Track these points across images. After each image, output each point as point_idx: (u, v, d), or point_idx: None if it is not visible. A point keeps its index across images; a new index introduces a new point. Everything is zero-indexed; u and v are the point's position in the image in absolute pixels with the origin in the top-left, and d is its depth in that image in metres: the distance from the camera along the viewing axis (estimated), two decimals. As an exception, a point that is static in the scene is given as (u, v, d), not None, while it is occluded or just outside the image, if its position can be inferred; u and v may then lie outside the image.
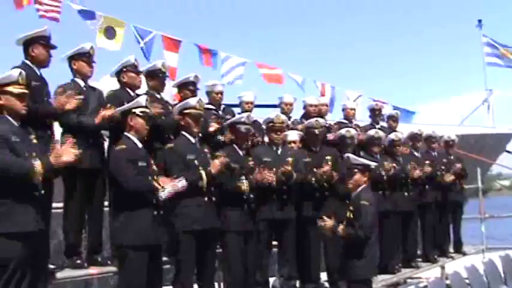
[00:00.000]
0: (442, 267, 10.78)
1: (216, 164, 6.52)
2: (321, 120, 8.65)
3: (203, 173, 6.43)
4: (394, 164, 9.24)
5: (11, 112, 5.13)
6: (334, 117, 11.16)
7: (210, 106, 8.19)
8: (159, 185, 5.97)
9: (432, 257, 10.52)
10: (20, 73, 5.26)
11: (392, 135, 9.75)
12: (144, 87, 7.50)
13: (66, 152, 5.10)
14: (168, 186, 6.04)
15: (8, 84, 5.14)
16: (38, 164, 4.89)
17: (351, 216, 6.90)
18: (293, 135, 8.37)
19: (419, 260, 10.35)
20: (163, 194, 5.99)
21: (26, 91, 5.25)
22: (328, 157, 8.22)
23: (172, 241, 6.44)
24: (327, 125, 9.16)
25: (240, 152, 7.16)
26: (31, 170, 4.86)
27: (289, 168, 7.37)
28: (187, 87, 7.80)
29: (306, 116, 9.72)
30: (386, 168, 9.05)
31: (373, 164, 7.55)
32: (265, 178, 7.11)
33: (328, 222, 6.98)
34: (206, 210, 6.53)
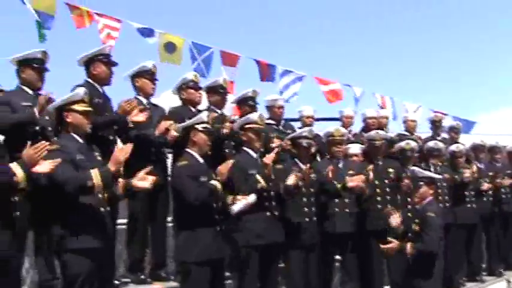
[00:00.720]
0: (508, 281, 10.50)
1: (265, 162, 6.46)
2: (381, 132, 8.56)
3: (258, 176, 6.38)
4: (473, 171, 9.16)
5: (77, 130, 5.21)
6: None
7: (270, 121, 8.19)
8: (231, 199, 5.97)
9: (497, 270, 10.29)
10: (85, 91, 5.35)
11: (453, 147, 9.65)
12: (205, 103, 7.54)
13: (144, 177, 5.19)
14: (239, 202, 6.03)
15: (74, 103, 5.23)
16: (95, 174, 4.86)
17: (418, 228, 6.81)
18: (355, 149, 8.32)
19: (484, 273, 10.14)
20: (234, 208, 6.00)
21: (90, 109, 5.33)
22: (391, 170, 8.13)
23: (235, 256, 6.43)
24: (387, 138, 9.06)
25: (302, 166, 7.12)
26: (87, 179, 4.84)
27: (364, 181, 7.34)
28: (246, 103, 7.81)
29: (366, 128, 9.65)
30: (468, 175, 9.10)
31: (438, 177, 7.44)
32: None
33: (393, 244, 6.89)
34: (269, 224, 6.50)
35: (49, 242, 5.73)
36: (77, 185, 4.84)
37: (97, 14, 9.31)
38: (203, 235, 5.80)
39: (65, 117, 5.19)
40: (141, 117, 6.29)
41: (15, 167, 4.31)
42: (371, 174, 7.56)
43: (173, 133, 6.45)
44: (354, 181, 7.19)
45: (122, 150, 4.99)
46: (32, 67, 6.08)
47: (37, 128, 5.83)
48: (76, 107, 5.21)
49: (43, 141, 4.50)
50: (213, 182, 5.84)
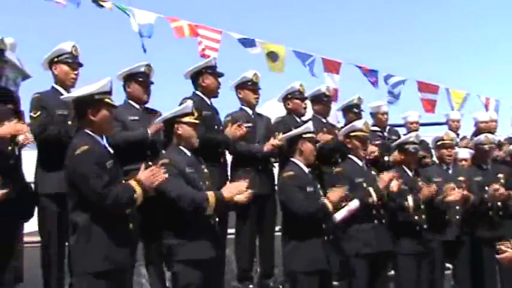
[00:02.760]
0: None
1: (383, 179, 6.38)
2: (490, 136, 8.28)
3: (371, 189, 6.31)
4: None
5: (186, 143, 5.31)
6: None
7: (375, 128, 8.10)
8: (332, 207, 5.93)
9: None
10: (193, 104, 5.44)
11: None
12: (310, 112, 7.55)
13: (240, 190, 5.23)
14: (342, 209, 5.99)
15: (185, 115, 5.33)
16: (211, 196, 5.02)
17: None
18: (464, 153, 8.09)
19: None
20: (337, 216, 5.95)
21: (198, 122, 5.42)
22: (501, 175, 7.86)
23: (343, 265, 6.37)
24: (496, 142, 8.76)
25: (409, 173, 6.97)
26: (204, 202, 5.00)
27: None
28: (351, 110, 7.78)
29: (477, 133, 9.36)
30: None
31: None
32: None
33: (508, 253, 6.64)
34: (378, 233, 6.40)
35: (159, 253, 5.86)
36: (193, 204, 5.00)
37: (197, 25, 9.45)
38: (311, 245, 5.80)
39: (175, 130, 5.30)
40: (242, 132, 6.41)
41: (135, 185, 4.53)
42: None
43: (277, 142, 6.48)
44: (452, 195, 7.00)
45: (237, 187, 5.19)
46: (137, 81, 6.18)
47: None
48: (186, 119, 5.32)
49: (158, 165, 4.77)
50: (324, 200, 5.85)
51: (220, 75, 6.68)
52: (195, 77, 6.63)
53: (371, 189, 6.28)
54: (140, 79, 6.18)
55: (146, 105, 6.29)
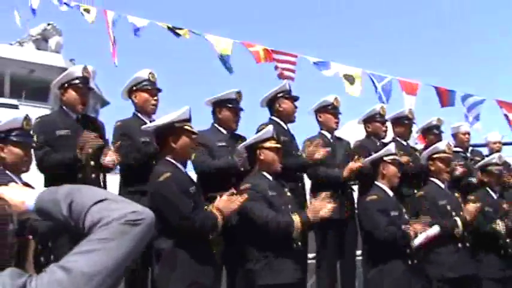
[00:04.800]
0: None
1: (470, 211, 6.26)
2: None
3: (458, 219, 6.21)
4: None
5: (269, 167, 5.34)
6: None
7: (457, 148, 7.95)
8: (413, 232, 5.84)
9: None
10: (274, 129, 5.47)
11: None
12: (390, 135, 7.47)
13: (323, 207, 5.18)
14: (421, 234, 5.90)
15: (266, 140, 5.37)
16: (296, 220, 5.02)
17: None
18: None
19: None
20: (416, 241, 5.86)
21: (280, 146, 5.44)
22: None
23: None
24: None
25: (494, 195, 6.82)
26: (290, 226, 5.01)
27: None
28: (431, 132, 7.68)
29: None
30: None
31: None
32: None
33: None
34: (461, 256, 6.27)
35: (242, 278, 5.87)
36: (279, 229, 5.01)
37: (273, 51, 9.49)
38: (395, 269, 5.73)
39: (257, 155, 5.35)
40: (321, 153, 6.33)
41: (215, 211, 4.63)
42: None
43: (356, 166, 6.42)
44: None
45: (321, 206, 5.15)
46: (228, 108, 6.18)
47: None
48: (268, 144, 5.36)
49: (240, 190, 4.87)
50: (408, 228, 5.77)
51: (296, 98, 6.66)
52: (271, 103, 6.64)
53: (458, 221, 6.17)
54: (230, 105, 6.19)
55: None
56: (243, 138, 6.15)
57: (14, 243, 1.91)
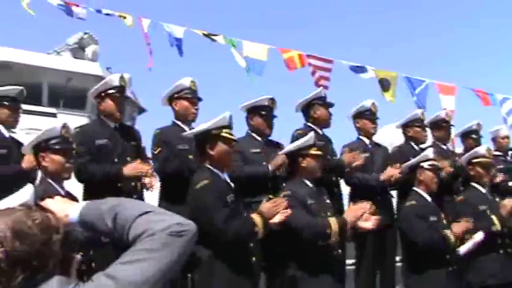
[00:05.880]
0: None
1: (505, 205, 6.22)
2: None
3: (494, 217, 6.13)
4: None
5: (309, 174, 5.33)
6: None
7: (497, 152, 7.84)
8: (454, 239, 5.77)
9: None
10: (312, 136, 5.46)
11: None
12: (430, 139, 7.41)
13: (368, 218, 5.17)
14: (467, 243, 5.82)
15: (308, 148, 5.35)
16: (333, 222, 4.98)
17: None
18: None
19: None
20: (461, 249, 5.78)
21: (322, 153, 5.44)
22: None
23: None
24: None
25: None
26: (326, 227, 4.96)
27: None
28: (470, 136, 7.62)
29: None
30: None
31: None
32: None
33: None
34: (503, 263, 6.19)
35: (282, 284, 5.85)
36: (316, 233, 4.98)
37: (308, 55, 9.47)
38: (435, 276, 5.67)
39: (299, 163, 5.33)
40: (359, 160, 6.29)
41: (256, 217, 4.61)
42: None
43: (395, 172, 6.37)
44: None
45: (360, 209, 5.13)
46: (260, 114, 6.18)
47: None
48: (309, 151, 5.34)
49: (280, 197, 4.83)
50: (448, 232, 5.70)
51: (331, 105, 6.64)
52: (306, 108, 6.63)
53: (494, 218, 6.08)
54: (263, 112, 6.19)
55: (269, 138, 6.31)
56: (280, 145, 6.15)
57: (59, 253, 1.95)
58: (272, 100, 6.25)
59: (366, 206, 5.15)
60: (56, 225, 1.97)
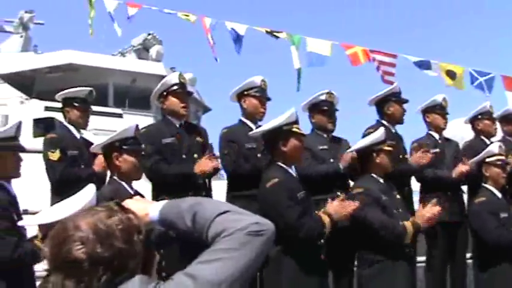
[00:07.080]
0: None
1: None
2: None
3: None
4: None
5: (381, 171, 5.28)
6: None
7: None
8: None
9: None
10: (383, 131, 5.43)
11: None
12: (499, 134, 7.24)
13: (432, 213, 5.07)
14: None
15: (380, 143, 5.31)
16: (410, 229, 4.94)
17: None
18: None
19: None
20: None
21: (392, 149, 5.41)
22: None
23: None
24: None
25: None
26: (403, 235, 4.94)
27: None
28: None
29: None
30: None
31: None
32: None
33: None
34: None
35: (350, 284, 5.83)
36: (394, 234, 4.94)
37: (371, 51, 9.36)
38: (506, 272, 5.58)
39: (373, 158, 5.28)
40: (427, 158, 6.20)
41: (323, 217, 4.63)
42: None
43: (466, 168, 6.25)
44: None
45: (430, 212, 5.04)
46: (321, 110, 6.15)
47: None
48: (382, 147, 5.30)
49: (353, 194, 4.91)
50: None
51: (405, 101, 6.53)
52: (379, 104, 6.53)
53: None
54: (324, 108, 6.14)
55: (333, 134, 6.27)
56: (345, 141, 6.11)
57: (141, 252, 1.98)
58: (330, 94, 6.17)
59: (435, 211, 5.04)
60: (138, 225, 2.00)
